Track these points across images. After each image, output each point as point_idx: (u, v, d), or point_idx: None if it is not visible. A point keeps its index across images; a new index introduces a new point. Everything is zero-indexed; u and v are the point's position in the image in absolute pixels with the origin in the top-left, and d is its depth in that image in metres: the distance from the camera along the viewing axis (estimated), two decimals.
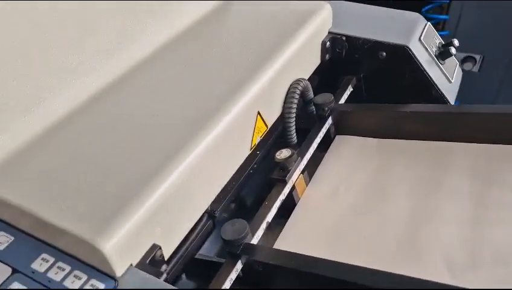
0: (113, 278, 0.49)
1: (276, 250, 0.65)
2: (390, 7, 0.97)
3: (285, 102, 0.79)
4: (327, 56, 0.91)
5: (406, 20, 0.93)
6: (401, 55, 0.87)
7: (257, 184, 0.80)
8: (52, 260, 0.50)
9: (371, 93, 0.96)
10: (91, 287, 0.48)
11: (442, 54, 0.92)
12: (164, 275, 0.51)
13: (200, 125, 0.61)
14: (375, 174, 0.77)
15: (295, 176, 0.74)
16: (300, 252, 0.60)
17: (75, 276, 0.49)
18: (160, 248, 0.54)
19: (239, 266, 0.61)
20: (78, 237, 0.48)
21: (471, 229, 0.63)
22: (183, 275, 0.70)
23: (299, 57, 0.82)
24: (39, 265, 0.50)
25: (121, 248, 0.49)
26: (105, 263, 0.48)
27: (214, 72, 0.73)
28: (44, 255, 0.51)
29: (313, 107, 0.85)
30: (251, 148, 0.72)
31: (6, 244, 0.52)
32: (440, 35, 0.96)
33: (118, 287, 0.48)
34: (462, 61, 1.71)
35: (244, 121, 0.68)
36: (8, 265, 0.50)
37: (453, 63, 0.96)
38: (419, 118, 0.80)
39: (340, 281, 0.54)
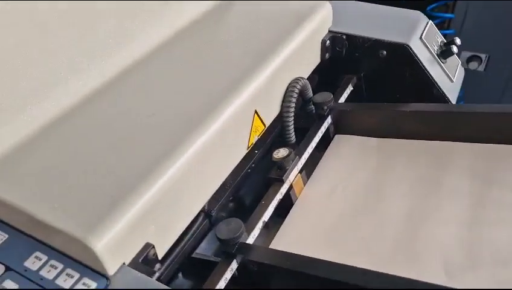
0: (105, 276, 0.49)
1: (271, 250, 0.65)
2: (394, 6, 0.96)
3: (283, 101, 0.79)
4: (327, 55, 0.91)
5: (407, 19, 0.92)
6: (402, 54, 0.86)
7: (256, 183, 0.79)
8: (45, 258, 0.51)
9: (371, 92, 0.95)
10: (83, 286, 0.48)
11: (444, 53, 0.91)
12: (156, 274, 0.51)
13: (195, 123, 0.61)
14: (374, 173, 0.77)
15: (292, 176, 0.73)
16: (296, 252, 0.59)
17: (68, 274, 0.49)
18: (153, 247, 0.53)
19: (234, 265, 0.61)
20: (70, 235, 0.48)
21: (470, 229, 0.62)
22: (180, 274, 0.70)
23: (298, 56, 0.81)
24: (32, 263, 0.50)
25: (113, 246, 0.49)
26: (97, 262, 0.48)
27: (211, 70, 0.73)
28: (37, 254, 0.51)
29: (312, 106, 0.85)
30: (248, 148, 0.72)
31: None
32: (445, 34, 0.95)
33: (110, 286, 0.48)
34: (468, 61, 1.70)
35: (240, 120, 0.68)
36: (1, 263, 0.50)
37: (455, 62, 0.95)
38: (419, 117, 0.80)
39: (336, 282, 0.54)
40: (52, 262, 0.50)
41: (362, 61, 0.92)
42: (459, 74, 0.94)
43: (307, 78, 0.85)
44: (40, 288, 0.48)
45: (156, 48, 0.78)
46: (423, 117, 0.79)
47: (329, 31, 0.91)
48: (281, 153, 0.72)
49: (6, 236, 0.53)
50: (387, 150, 0.80)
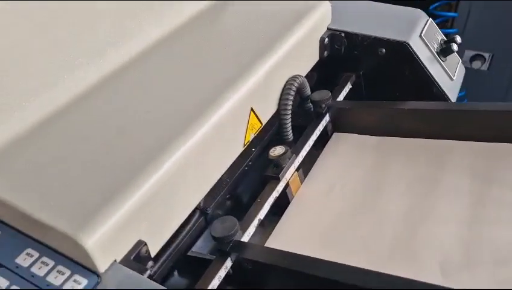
0: (96, 273, 0.49)
1: (266, 248, 0.64)
2: (397, 5, 0.95)
3: (280, 98, 0.78)
4: (326, 53, 0.90)
5: (406, 17, 0.91)
6: (401, 51, 0.86)
7: (253, 182, 0.79)
8: (36, 255, 0.50)
9: (370, 90, 0.95)
10: (74, 283, 0.48)
11: (444, 51, 0.90)
12: (148, 272, 0.50)
13: (189, 120, 0.61)
14: (372, 172, 0.76)
15: (289, 174, 0.73)
16: (292, 251, 0.59)
17: (58, 271, 0.49)
18: (145, 244, 0.53)
19: (228, 263, 0.60)
20: (60, 232, 0.48)
21: (469, 228, 0.62)
22: (175, 273, 0.69)
23: (296, 53, 0.81)
24: (23, 260, 0.50)
25: (104, 243, 0.48)
26: (88, 259, 0.48)
27: (208, 67, 0.72)
28: (28, 250, 0.51)
29: (310, 104, 0.84)
30: (244, 145, 0.72)
31: None
32: (448, 33, 0.94)
33: (101, 283, 0.48)
34: (471, 60, 1.69)
35: (236, 117, 0.67)
36: None
37: (455, 60, 0.94)
38: (418, 115, 0.79)
39: (332, 281, 0.53)
40: (44, 259, 0.50)
41: (361, 59, 0.91)
42: (459, 72, 0.93)
43: (306, 76, 0.84)
44: (31, 285, 0.48)
45: (153, 45, 0.78)
46: (422, 115, 0.79)
47: (328, 29, 0.90)
48: (277, 150, 0.72)
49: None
50: (385, 149, 0.80)
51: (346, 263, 0.54)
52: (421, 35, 0.88)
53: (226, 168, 0.69)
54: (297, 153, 0.75)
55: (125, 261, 0.51)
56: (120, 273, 0.49)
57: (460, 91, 1.66)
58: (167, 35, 0.81)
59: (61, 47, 0.67)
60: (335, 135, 0.86)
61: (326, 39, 0.89)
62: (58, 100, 0.65)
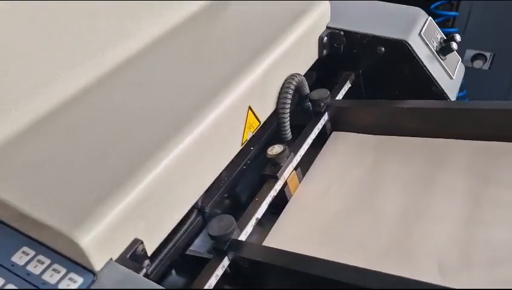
0: (92, 272, 0.49)
1: (263, 247, 0.64)
2: (398, 3, 0.95)
3: (279, 97, 0.78)
4: (325, 51, 0.90)
5: (406, 15, 0.91)
6: (400, 50, 0.85)
7: (251, 181, 0.79)
8: (32, 253, 0.50)
9: (370, 89, 0.94)
10: (69, 281, 0.48)
11: (443, 50, 0.89)
12: (144, 270, 0.50)
13: (187, 118, 0.61)
14: (370, 171, 0.76)
15: (287, 172, 0.73)
16: (290, 250, 0.59)
17: (54, 269, 0.49)
18: (142, 243, 0.53)
19: (226, 262, 0.60)
20: (56, 230, 0.47)
21: (466, 228, 0.61)
22: (173, 271, 0.69)
23: (295, 52, 0.80)
24: (19, 258, 0.50)
25: (99, 241, 0.48)
26: (84, 257, 0.48)
27: (206, 66, 0.72)
28: (25, 249, 0.51)
29: (309, 103, 0.84)
30: (242, 144, 0.71)
31: None
32: (450, 32, 0.93)
33: (97, 281, 0.48)
34: (472, 59, 1.68)
35: (233, 115, 0.67)
36: None
37: (455, 58, 0.94)
38: (417, 114, 0.78)
39: (329, 280, 0.53)
40: (40, 257, 0.50)
41: (360, 58, 0.91)
42: (459, 71, 0.93)
43: (305, 75, 0.84)
44: (26, 283, 0.48)
45: (151, 44, 0.78)
46: (421, 114, 0.78)
47: (327, 28, 0.90)
48: (275, 149, 0.72)
49: None
50: (384, 148, 0.79)
51: (343, 262, 0.54)
52: (421, 33, 0.87)
53: (224, 167, 0.69)
54: (295, 152, 0.75)
55: (121, 260, 0.51)
56: (116, 272, 0.49)
57: (462, 91, 1.66)
58: (165, 34, 0.81)
59: (57, 46, 0.67)
60: (334, 133, 0.86)
61: (326, 38, 0.89)
62: (54, 99, 0.65)
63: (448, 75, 0.89)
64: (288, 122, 0.79)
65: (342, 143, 0.83)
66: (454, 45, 0.89)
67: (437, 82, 0.86)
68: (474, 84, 1.68)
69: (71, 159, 0.56)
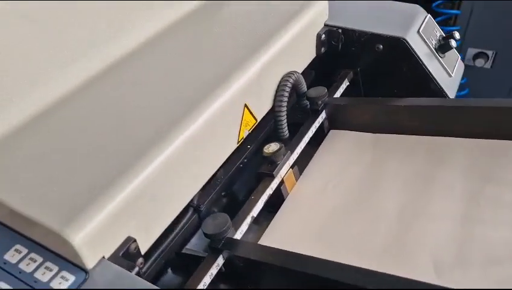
0: (84, 270, 0.48)
1: (258, 245, 0.64)
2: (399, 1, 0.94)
3: (275, 95, 0.77)
4: (323, 49, 0.89)
5: (404, 13, 0.90)
6: (398, 47, 0.85)
7: (248, 179, 0.78)
8: (25, 251, 0.50)
9: (368, 87, 0.94)
10: (61, 279, 0.47)
11: (442, 47, 0.89)
12: (136, 269, 0.50)
13: (181, 115, 0.60)
14: (368, 169, 0.75)
15: (284, 171, 0.72)
16: (285, 248, 0.58)
17: (46, 268, 0.48)
18: (135, 241, 0.53)
19: (220, 261, 0.60)
20: (47, 228, 0.47)
21: (463, 227, 0.61)
22: (169, 270, 0.69)
23: (292, 50, 0.80)
24: (11, 256, 0.50)
25: (91, 239, 0.48)
26: (76, 255, 0.47)
27: (202, 63, 0.72)
28: (17, 246, 0.50)
29: (307, 101, 0.84)
30: (238, 142, 0.71)
31: None
32: (451, 30, 0.92)
33: (89, 280, 0.48)
34: (474, 58, 1.67)
35: (229, 113, 0.67)
36: None
37: (454, 56, 0.93)
38: (415, 112, 0.78)
39: (323, 279, 0.53)
40: (32, 255, 0.49)
41: (359, 55, 0.91)
42: (458, 69, 0.92)
43: (303, 73, 0.84)
44: (18, 281, 0.47)
45: (147, 41, 0.77)
46: (419, 112, 0.78)
47: (325, 25, 0.90)
48: (271, 147, 0.71)
49: None
50: (382, 146, 0.79)
51: (340, 261, 0.53)
52: (419, 31, 0.87)
53: (219, 165, 0.68)
54: (292, 150, 0.74)
55: (114, 258, 0.50)
56: (108, 270, 0.49)
57: (463, 90, 1.65)
58: (162, 31, 0.80)
59: (52, 43, 0.67)
60: (331, 132, 0.85)
61: (323, 35, 0.88)
62: (46, 97, 0.64)
63: (447, 72, 0.89)
64: (285, 121, 0.79)
65: (340, 141, 0.82)
66: (453, 43, 0.88)
67: (435, 80, 0.86)
68: (476, 83, 1.67)
69: (64, 156, 0.56)
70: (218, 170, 0.69)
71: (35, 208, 0.49)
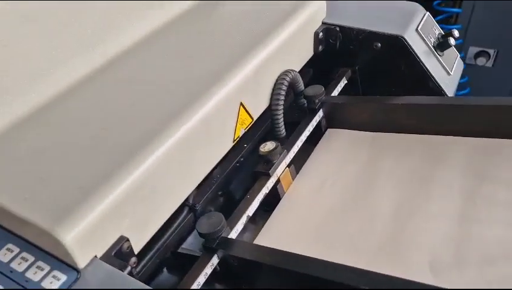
0: (76, 269, 0.48)
1: (253, 245, 0.63)
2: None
3: (272, 93, 0.77)
4: (320, 47, 0.89)
5: (403, 10, 0.90)
6: (397, 45, 0.84)
7: (245, 178, 0.78)
8: (17, 250, 0.50)
9: (366, 85, 0.93)
10: (53, 279, 0.47)
11: (441, 45, 0.88)
12: (128, 268, 0.50)
13: (176, 113, 0.60)
14: (365, 168, 0.75)
15: (280, 170, 0.72)
16: (280, 248, 0.58)
17: (38, 267, 0.48)
18: (127, 240, 0.52)
19: (215, 260, 0.60)
20: (39, 227, 0.47)
21: (459, 226, 0.60)
22: (164, 269, 0.69)
23: (290, 48, 0.79)
24: (3, 255, 0.49)
25: (83, 239, 0.47)
26: (67, 255, 0.47)
27: (198, 61, 0.71)
28: (9, 246, 0.50)
29: (304, 99, 0.83)
30: (234, 141, 0.71)
31: None
32: (452, 29, 0.92)
33: (80, 279, 0.47)
34: (476, 56, 1.66)
35: (225, 112, 0.66)
36: None
37: (453, 54, 0.92)
38: (413, 110, 0.77)
39: (318, 279, 0.52)
40: (24, 254, 0.49)
41: (357, 53, 0.90)
42: (457, 67, 0.92)
43: (300, 72, 0.83)
44: (9, 280, 0.47)
45: (143, 40, 0.77)
46: (417, 110, 0.77)
47: (323, 23, 0.89)
48: (267, 146, 0.71)
49: None
50: (379, 144, 0.78)
51: (335, 260, 0.53)
52: (418, 29, 0.86)
53: (215, 164, 0.68)
54: (288, 149, 0.74)
55: (106, 257, 0.50)
56: (100, 269, 0.48)
57: (465, 88, 1.64)
58: (158, 29, 0.80)
59: (48, 41, 0.66)
60: (329, 130, 0.85)
61: (321, 33, 0.88)
62: (40, 96, 0.64)
63: (446, 70, 0.88)
64: (282, 119, 0.78)
65: (337, 140, 0.82)
66: (452, 41, 0.87)
67: (434, 78, 0.85)
68: (477, 82, 1.66)
69: (55, 155, 0.55)
70: (214, 168, 0.69)
71: (26, 207, 0.49)
